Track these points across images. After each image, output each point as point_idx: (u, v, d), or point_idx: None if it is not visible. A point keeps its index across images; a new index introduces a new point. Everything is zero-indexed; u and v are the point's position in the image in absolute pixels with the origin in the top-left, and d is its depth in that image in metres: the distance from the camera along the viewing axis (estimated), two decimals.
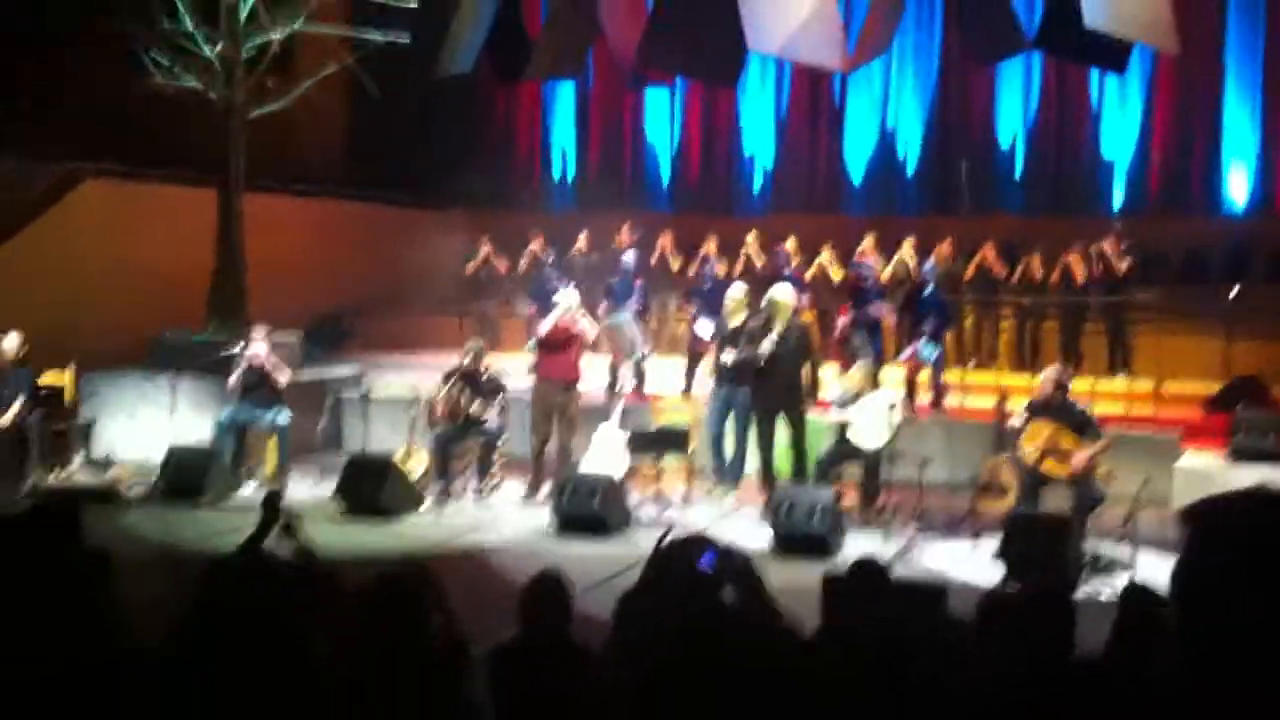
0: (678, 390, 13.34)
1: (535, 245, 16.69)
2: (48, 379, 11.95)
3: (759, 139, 20.00)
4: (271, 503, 5.51)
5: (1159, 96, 18.06)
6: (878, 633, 3.94)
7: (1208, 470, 10.71)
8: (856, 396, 10.55)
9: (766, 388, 10.59)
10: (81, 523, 4.45)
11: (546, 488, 10.77)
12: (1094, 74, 17.55)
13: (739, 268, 15.57)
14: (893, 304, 13.56)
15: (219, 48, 13.23)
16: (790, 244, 15.39)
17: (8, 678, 3.64)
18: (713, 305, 12.39)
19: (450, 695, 3.93)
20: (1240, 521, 1.67)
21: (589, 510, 9.90)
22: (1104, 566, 8.70)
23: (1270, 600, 1.59)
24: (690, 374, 13.39)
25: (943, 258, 14.97)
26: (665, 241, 16.57)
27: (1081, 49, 12.19)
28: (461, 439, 11.29)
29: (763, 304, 10.91)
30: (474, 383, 11.30)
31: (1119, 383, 13.59)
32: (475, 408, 11.18)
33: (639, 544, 9.09)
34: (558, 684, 4.23)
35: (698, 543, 4.13)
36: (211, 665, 3.63)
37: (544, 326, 11.38)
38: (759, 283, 12.61)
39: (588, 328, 11.39)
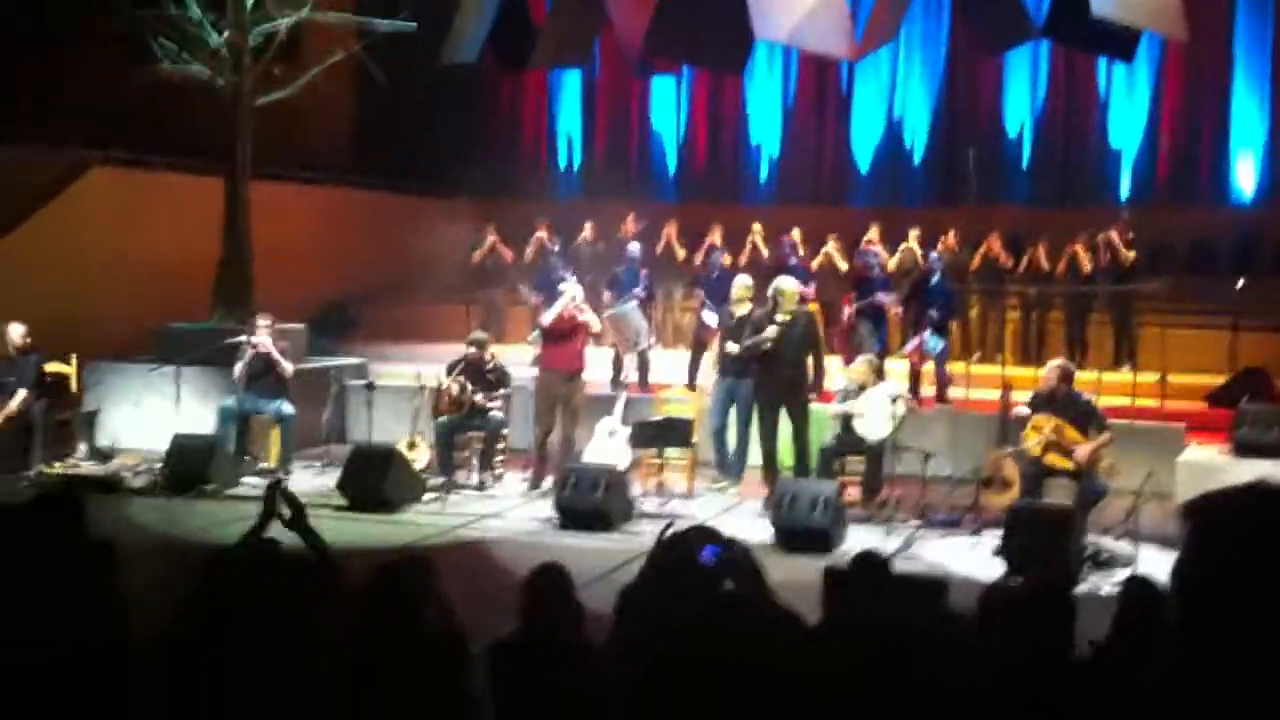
0: (682, 382, 13.34)
1: (541, 234, 16.67)
2: (52, 368, 11.97)
3: (766, 128, 19.97)
4: (272, 493, 5.51)
5: (1167, 85, 18.00)
6: (879, 626, 3.94)
7: (1211, 464, 10.69)
8: (860, 388, 10.54)
9: (770, 380, 10.58)
10: (85, 512, 4.46)
11: (549, 480, 10.78)
12: (1102, 63, 17.50)
13: (745, 258, 15.55)
14: (899, 294, 13.54)
15: (226, 35, 13.22)
16: (796, 234, 15.37)
17: (10, 668, 3.64)
18: (719, 295, 12.38)
19: (449, 687, 3.93)
20: (1240, 517, 1.67)
21: (591, 503, 9.90)
22: (1106, 560, 8.69)
23: (1271, 596, 1.59)
24: (694, 365, 13.38)
25: (949, 248, 14.94)
26: (670, 231, 16.54)
27: (1089, 37, 12.16)
28: (465, 429, 11.30)
29: (768, 294, 10.90)
30: (478, 373, 11.31)
31: (1124, 375, 13.56)
32: (479, 398, 11.18)
33: (641, 537, 9.10)
34: (558, 678, 4.24)
35: (699, 536, 4.14)
36: (218, 655, 3.63)
37: (547, 317, 11.37)
38: (765, 273, 12.60)
39: (591, 319, 11.39)
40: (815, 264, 15.20)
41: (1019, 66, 18.39)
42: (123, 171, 14.93)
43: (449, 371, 11.35)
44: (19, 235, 13.73)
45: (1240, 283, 12.93)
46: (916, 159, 19.20)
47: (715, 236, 15.96)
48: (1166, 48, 17.07)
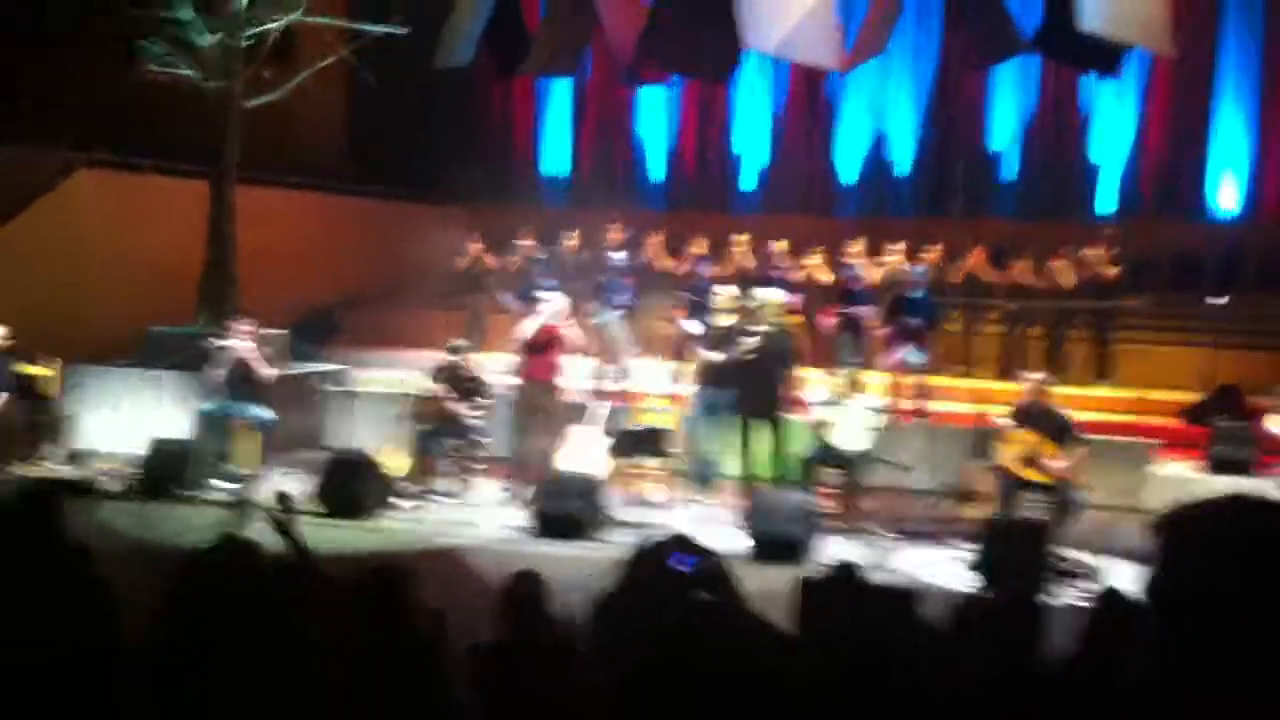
0: (662, 391, 13.35)
1: (525, 243, 16.67)
2: (31, 370, 11.91)
3: (754, 138, 20.01)
4: (243, 493, 5.51)
5: (1153, 102, 18.09)
6: (853, 636, 3.96)
7: (1184, 479, 10.76)
8: (840, 400, 10.57)
9: (748, 390, 10.60)
10: (61, 515, 4.44)
11: (527, 488, 10.77)
12: (1089, 78, 17.59)
13: (728, 268, 15.55)
14: (881, 307, 13.58)
15: (216, 37, 13.19)
16: (780, 246, 15.40)
17: None
18: (702, 306, 12.39)
19: (433, 690, 3.94)
20: (1226, 529, 1.68)
21: (569, 511, 9.90)
22: (1079, 573, 8.73)
23: (1264, 606, 1.59)
24: (675, 375, 13.38)
25: (933, 261, 14.99)
26: (655, 241, 16.55)
27: (1077, 52, 12.24)
28: (443, 437, 11.28)
29: (750, 305, 10.92)
30: (458, 381, 11.30)
31: (1101, 390, 13.63)
32: (459, 406, 11.17)
33: (618, 545, 9.10)
34: (534, 684, 4.25)
35: (675, 545, 4.14)
36: (204, 657, 3.63)
37: (528, 330, 11.35)
38: (749, 284, 12.62)
39: (574, 335, 11.38)
40: (799, 277, 15.21)
41: (1006, 81, 18.47)
42: (110, 174, 14.90)
43: (429, 379, 11.34)
44: (5, 236, 13.67)
45: (1221, 299, 12.97)
46: (903, 171, 19.26)
47: (699, 248, 15.97)
48: (1153, 64, 17.17)
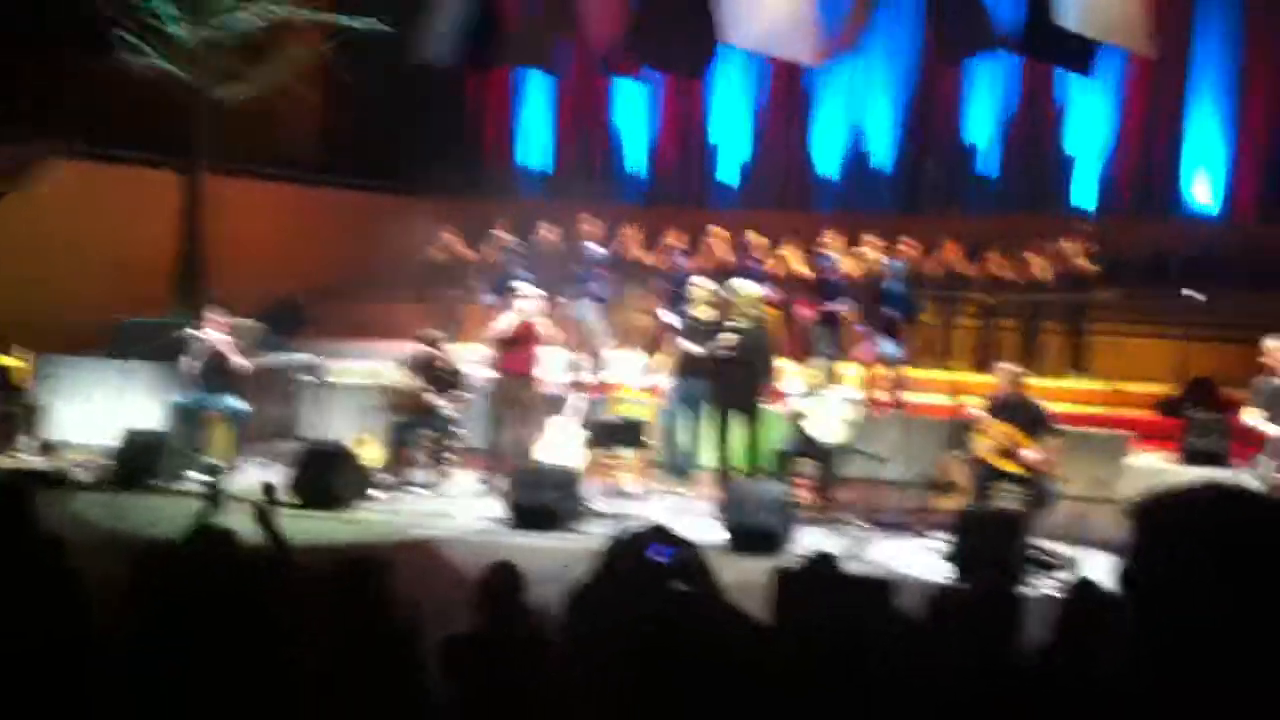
0: (637, 383, 13.34)
1: (501, 235, 16.62)
2: (1, 361, 11.82)
3: (732, 132, 20.01)
4: (215, 483, 5.49)
5: (1129, 98, 18.17)
6: (829, 627, 3.96)
7: (1158, 471, 10.82)
8: (815, 391, 10.59)
9: (724, 381, 10.61)
10: (33, 506, 4.41)
11: (503, 479, 10.75)
12: (1065, 74, 17.67)
13: (705, 260, 15.54)
14: (856, 299, 13.60)
15: (193, 29, 13.10)
16: (755, 238, 15.40)
17: None
18: (680, 298, 12.39)
19: (409, 680, 3.93)
20: (1199, 517, 1.68)
21: (544, 502, 9.89)
22: (1053, 564, 8.78)
23: (1240, 594, 1.60)
24: (652, 367, 13.38)
25: (908, 254, 15.02)
26: (630, 234, 16.53)
27: (1052, 49, 12.30)
28: (418, 428, 11.25)
29: (726, 297, 10.93)
30: (433, 372, 11.27)
31: (1075, 382, 13.70)
32: (433, 397, 11.15)
33: (593, 536, 9.10)
34: (511, 675, 4.24)
35: (652, 536, 4.14)
36: (180, 648, 3.61)
37: (503, 327, 11.30)
38: (725, 277, 12.62)
39: (548, 331, 11.34)
40: (774, 269, 15.21)
41: (983, 76, 18.52)
42: (84, 164, 14.78)
43: (404, 369, 11.31)
44: None
45: (1200, 297, 13.03)
46: (881, 166, 19.29)
47: (674, 240, 15.96)
48: (1129, 61, 17.25)
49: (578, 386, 12.59)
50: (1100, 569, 7.94)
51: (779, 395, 11.10)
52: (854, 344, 13.55)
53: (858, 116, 19.37)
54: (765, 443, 10.73)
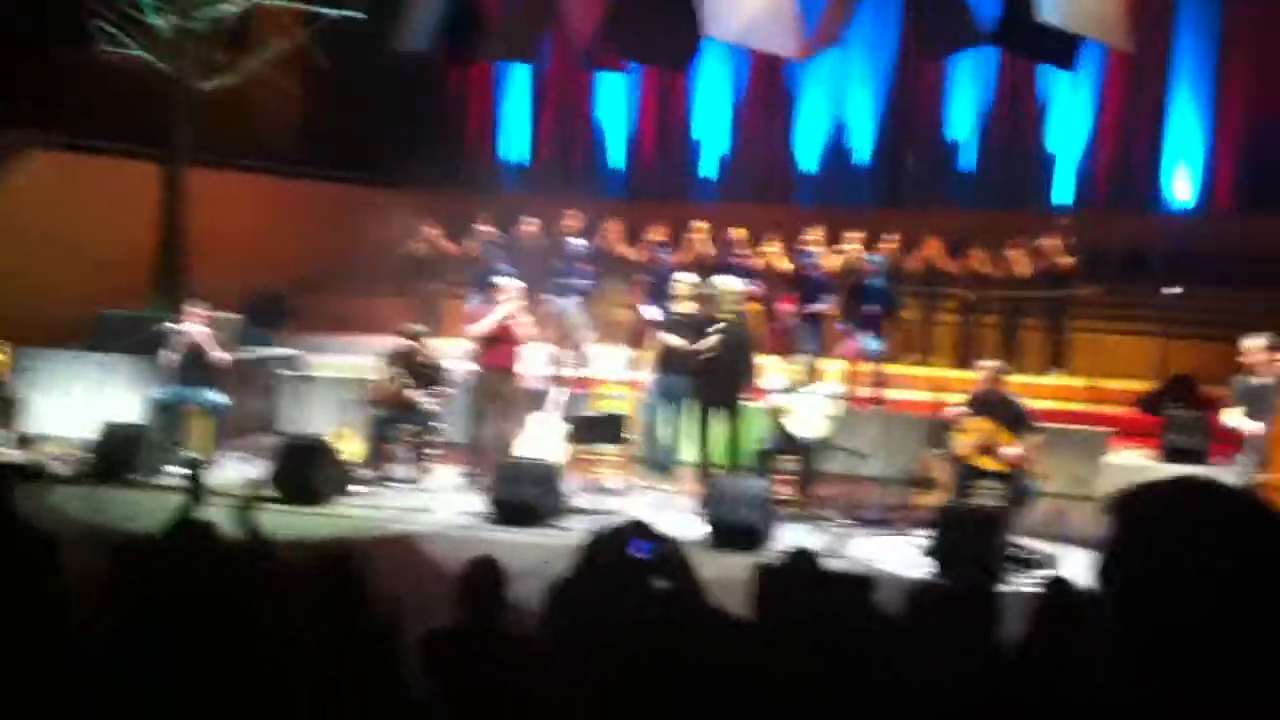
0: (618, 377, 13.33)
1: (483, 229, 16.57)
2: None
3: (713, 126, 20.01)
4: (195, 476, 5.47)
5: (1108, 94, 18.23)
6: (809, 623, 3.97)
7: (1137, 468, 10.86)
8: (797, 387, 10.60)
9: (705, 377, 10.61)
10: (10, 498, 4.38)
11: (483, 474, 10.73)
12: (1046, 69, 17.71)
13: (687, 256, 15.54)
14: (838, 296, 13.62)
15: (171, 19, 13.03)
16: (738, 233, 15.41)
17: None
18: (662, 292, 12.39)
19: (390, 674, 3.92)
20: (1176, 511, 1.68)
21: (525, 497, 9.88)
22: (1033, 561, 8.81)
23: (1213, 588, 1.60)
24: (633, 362, 13.38)
25: (889, 250, 15.05)
26: (611, 228, 16.51)
27: (1033, 45, 12.34)
28: (398, 423, 11.22)
29: (708, 293, 10.93)
30: (413, 366, 11.24)
31: (1055, 379, 13.74)
32: (413, 392, 11.12)
33: (574, 532, 9.10)
34: (491, 670, 4.23)
35: (633, 531, 4.14)
36: (160, 643, 3.59)
37: (483, 326, 11.24)
38: (707, 272, 12.63)
39: (526, 331, 11.27)
40: (756, 264, 15.22)
41: (964, 72, 18.56)
42: (62, 155, 14.69)
43: (384, 363, 11.28)
44: None
45: (1177, 290, 13.09)
46: (861, 161, 19.33)
47: (657, 234, 15.95)
48: (1108, 57, 17.31)
49: (559, 381, 12.57)
50: (1080, 566, 7.98)
51: (760, 391, 11.10)
52: (835, 340, 13.57)
53: (839, 111, 19.39)
54: (746, 439, 10.73)
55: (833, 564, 7.99)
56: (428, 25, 12.97)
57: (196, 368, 11.39)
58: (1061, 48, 12.17)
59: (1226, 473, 9.08)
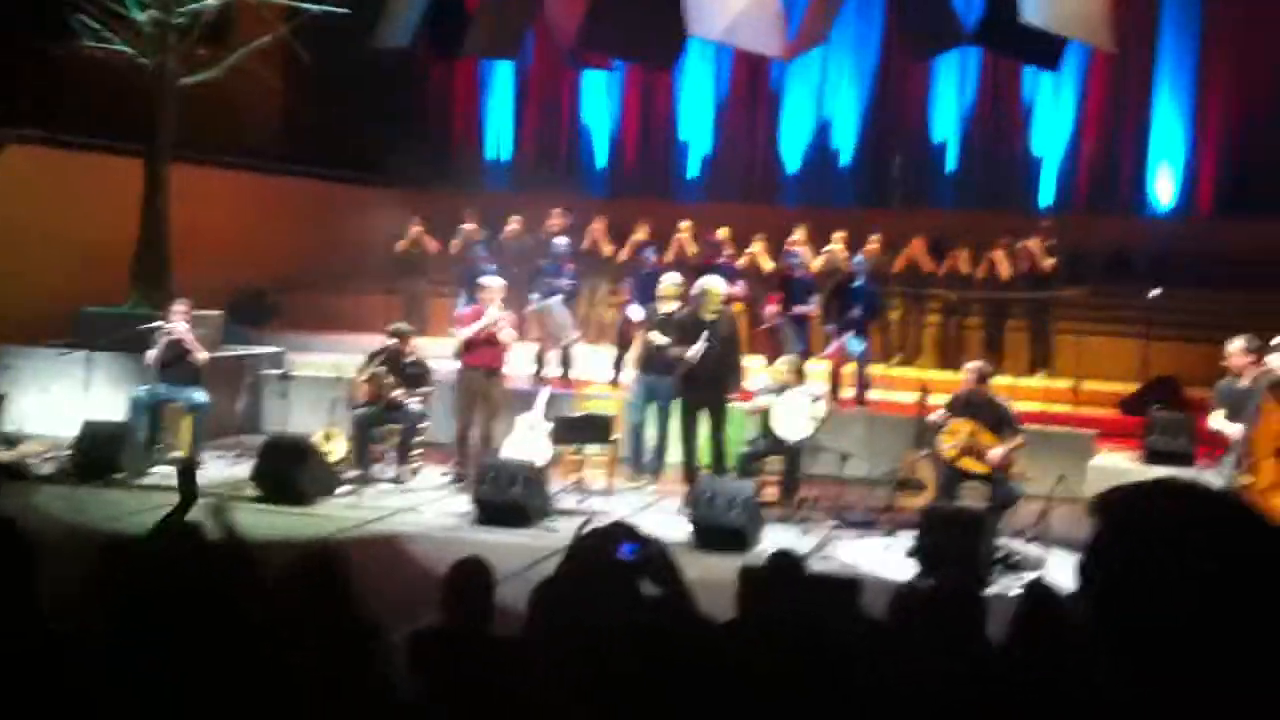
0: (605, 378, 13.33)
1: (468, 227, 16.55)
2: None
3: (697, 125, 20.03)
4: (188, 477, 5.43)
5: (1091, 95, 18.32)
6: (793, 625, 3.97)
7: (1121, 469, 10.90)
8: (781, 388, 10.61)
9: (690, 378, 10.59)
10: None
11: (468, 474, 10.71)
12: (1028, 71, 17.76)
13: (672, 255, 15.56)
14: (821, 296, 13.63)
15: (152, 12, 12.97)
16: (723, 233, 15.42)
17: None
18: (647, 292, 12.37)
19: (369, 679, 3.90)
20: (1158, 513, 1.68)
21: (510, 498, 9.84)
22: (1017, 563, 8.83)
23: (1196, 590, 1.60)
24: (619, 362, 13.37)
25: (872, 252, 15.07)
26: (597, 227, 16.52)
27: (1018, 45, 12.36)
28: (383, 422, 11.18)
29: (693, 293, 10.92)
30: (398, 365, 11.20)
31: (1039, 381, 13.78)
32: (398, 391, 11.08)
33: (559, 532, 9.09)
34: (477, 670, 4.22)
35: (617, 532, 4.13)
36: (146, 645, 3.56)
37: (468, 331, 11.17)
38: (692, 271, 12.63)
39: (508, 335, 11.19)
40: (741, 264, 15.24)
41: (948, 72, 18.61)
42: (42, 150, 14.61)
43: (369, 361, 11.24)
44: None
45: (1155, 292, 13.13)
46: (844, 162, 19.37)
47: (642, 234, 15.96)
48: (1092, 58, 17.37)
49: (543, 380, 12.56)
50: (1064, 567, 8.00)
51: (746, 393, 11.10)
52: (819, 340, 13.58)
53: (823, 111, 19.43)
54: (732, 440, 10.73)
55: (817, 566, 7.99)
56: (410, 21, 12.92)
57: (179, 366, 11.34)
58: (1045, 49, 12.20)
59: (1210, 474, 9.12)
